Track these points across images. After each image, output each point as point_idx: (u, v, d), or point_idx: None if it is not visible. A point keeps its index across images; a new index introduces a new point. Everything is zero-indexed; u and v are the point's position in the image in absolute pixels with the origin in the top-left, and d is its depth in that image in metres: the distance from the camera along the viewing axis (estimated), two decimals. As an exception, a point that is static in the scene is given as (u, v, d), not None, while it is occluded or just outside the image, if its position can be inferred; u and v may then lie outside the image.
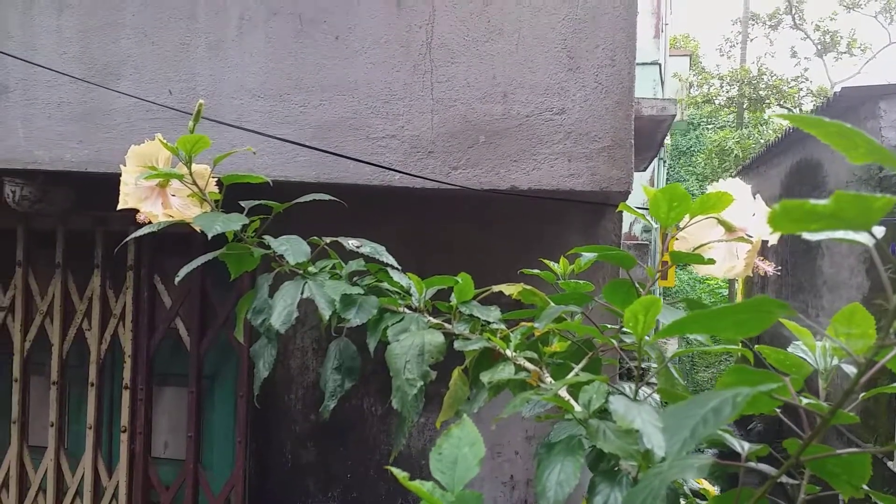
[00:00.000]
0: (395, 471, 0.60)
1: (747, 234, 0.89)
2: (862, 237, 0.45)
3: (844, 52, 20.64)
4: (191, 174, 1.08)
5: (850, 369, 0.63)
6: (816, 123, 0.47)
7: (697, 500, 0.87)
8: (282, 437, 2.50)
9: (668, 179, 17.35)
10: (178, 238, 2.01)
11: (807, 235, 0.48)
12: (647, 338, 0.68)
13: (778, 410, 0.69)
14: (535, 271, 1.09)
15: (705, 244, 0.88)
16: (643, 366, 0.88)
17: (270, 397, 2.50)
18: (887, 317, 0.45)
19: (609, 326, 0.93)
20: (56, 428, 2.54)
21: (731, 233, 0.89)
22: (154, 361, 2.53)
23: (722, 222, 0.88)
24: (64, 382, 2.58)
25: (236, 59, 2.06)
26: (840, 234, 0.48)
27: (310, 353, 2.50)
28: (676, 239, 0.92)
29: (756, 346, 0.77)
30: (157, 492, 2.48)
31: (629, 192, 1.93)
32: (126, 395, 2.48)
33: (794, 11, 20.37)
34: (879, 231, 0.46)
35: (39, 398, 2.64)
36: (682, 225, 0.89)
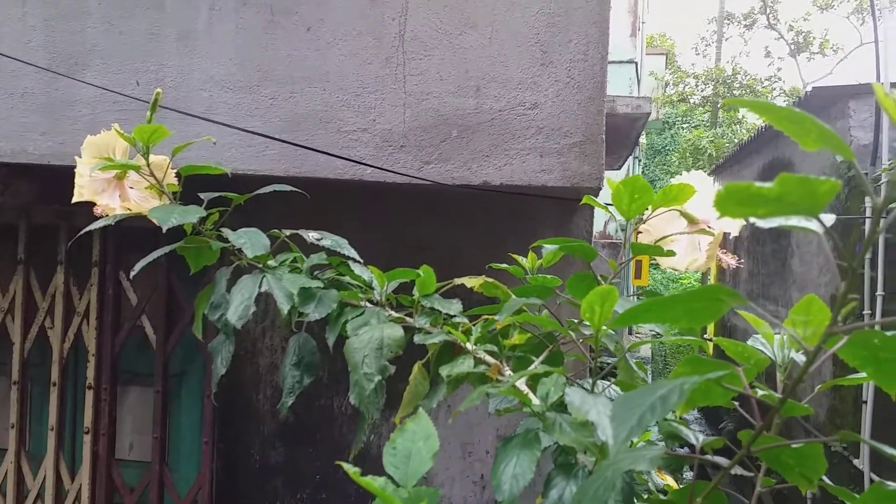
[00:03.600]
0: (346, 465, 0.59)
1: (709, 227, 0.89)
2: (811, 224, 0.45)
3: (817, 53, 21.00)
4: (148, 165, 1.05)
5: (804, 359, 0.62)
6: (768, 108, 0.47)
7: (660, 496, 0.87)
8: (250, 438, 2.46)
9: (643, 178, 17.46)
10: (145, 234, 1.97)
11: (758, 222, 0.47)
12: (604, 328, 0.67)
13: (742, 411, 0.69)
14: (504, 266, 1.08)
15: (667, 236, 0.87)
16: (609, 361, 0.87)
17: (238, 397, 2.46)
18: (836, 304, 0.44)
19: (575, 321, 0.92)
20: (17, 429, 2.48)
21: (694, 225, 0.88)
22: (119, 360, 2.47)
23: (684, 214, 0.88)
24: (25, 382, 2.51)
25: (205, 50, 2.02)
26: (792, 221, 0.47)
27: (278, 352, 2.47)
28: (640, 231, 0.91)
29: (716, 338, 0.77)
30: (121, 494, 2.43)
31: (600, 188, 1.93)
32: (90, 395, 2.42)
33: (768, 11, 20.68)
34: (829, 219, 0.45)
35: None
36: (644, 217, 0.88)
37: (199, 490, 2.34)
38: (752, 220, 0.48)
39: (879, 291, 4.65)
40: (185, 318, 2.39)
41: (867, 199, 4.82)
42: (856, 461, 4.72)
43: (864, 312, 4.76)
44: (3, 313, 2.51)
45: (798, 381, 0.48)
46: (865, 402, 4.72)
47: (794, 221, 0.46)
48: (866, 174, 4.96)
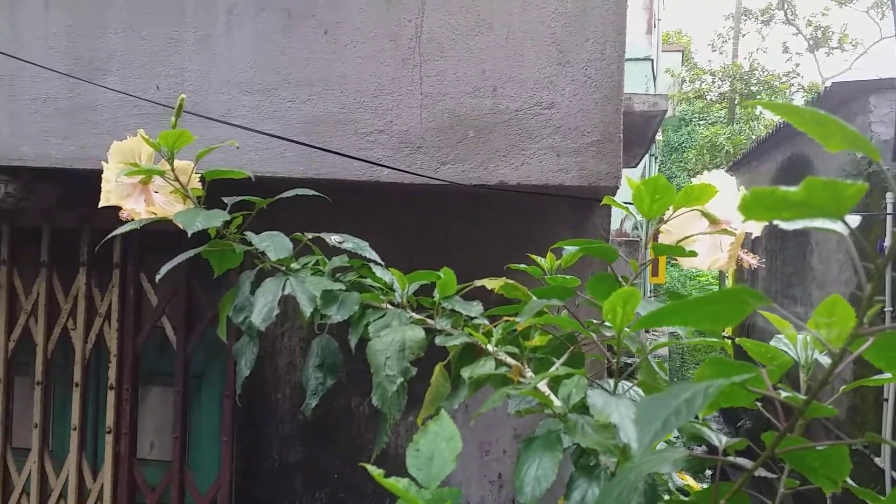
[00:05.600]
0: (370, 468, 0.60)
1: (731, 227, 0.88)
2: (836, 226, 0.45)
3: (836, 48, 20.75)
4: (173, 170, 1.07)
5: (828, 361, 0.62)
6: (791, 111, 0.47)
7: (681, 497, 0.87)
8: (269, 437, 2.48)
9: (660, 176, 17.34)
10: (165, 236, 1.99)
11: (782, 225, 0.48)
12: (626, 329, 0.67)
13: (764, 411, 0.69)
14: (522, 266, 1.09)
15: (689, 236, 0.87)
16: (628, 361, 0.87)
17: (258, 397, 2.48)
18: (861, 306, 0.44)
19: (595, 322, 0.92)
20: (40, 429, 2.52)
21: (715, 225, 0.88)
22: (140, 361, 2.50)
23: (706, 214, 0.88)
24: (48, 383, 2.55)
25: (224, 54, 2.05)
26: (817, 223, 0.47)
27: (297, 352, 2.49)
28: (661, 231, 0.91)
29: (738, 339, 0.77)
30: (142, 493, 2.46)
31: (618, 187, 1.93)
32: (111, 395, 2.45)
33: (786, 6, 20.45)
34: (854, 220, 0.45)
35: (23, 399, 2.61)
36: (665, 217, 0.88)
37: (218, 489, 2.37)
38: (775, 221, 0.48)
39: (902, 289, 4.59)
40: (205, 319, 2.42)
41: (888, 195, 4.75)
42: (877, 459, 4.66)
43: (886, 310, 4.70)
44: (26, 315, 2.56)
45: (824, 382, 0.48)
46: (887, 401, 4.65)
47: (819, 223, 0.46)
48: (888, 170, 4.88)
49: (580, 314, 0.96)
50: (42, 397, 2.52)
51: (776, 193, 0.38)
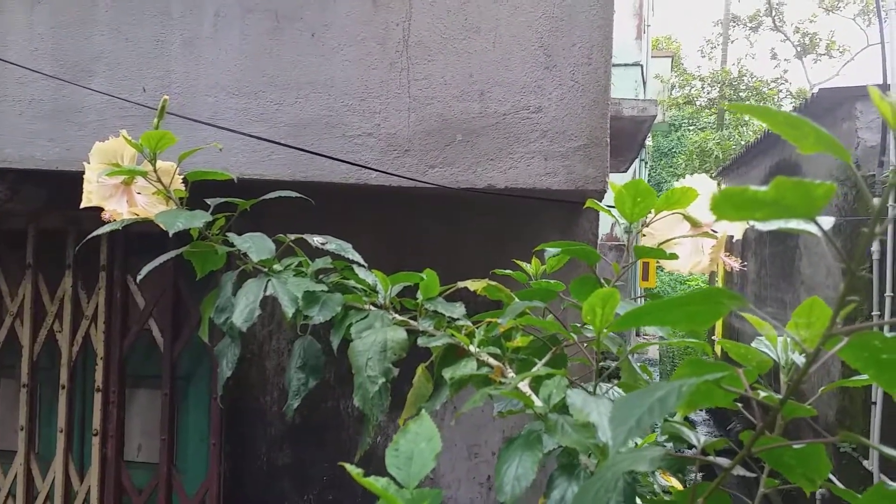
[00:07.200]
0: (349, 467, 0.60)
1: (713, 230, 0.89)
2: (809, 227, 0.45)
3: (823, 54, 20.99)
4: (155, 171, 1.06)
5: (804, 361, 0.62)
6: (767, 113, 0.47)
7: (664, 497, 0.87)
8: (257, 439, 2.47)
9: (649, 180, 17.51)
10: (152, 238, 1.97)
11: (757, 225, 0.48)
12: (606, 330, 0.67)
13: (746, 412, 0.69)
14: (508, 272, 1.09)
15: (671, 239, 0.88)
16: (615, 363, 0.87)
17: (245, 399, 2.47)
18: (836, 306, 0.44)
19: (578, 325, 0.92)
20: (26, 431, 2.49)
21: (697, 228, 0.89)
22: (127, 363, 2.49)
23: (687, 217, 0.88)
24: (34, 385, 2.53)
25: (211, 57, 2.04)
26: (792, 224, 0.48)
27: (285, 354, 2.48)
28: (643, 234, 0.92)
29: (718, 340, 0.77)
30: (129, 496, 2.44)
31: (605, 191, 1.94)
32: (98, 397, 2.44)
33: (774, 13, 20.66)
34: (826, 221, 0.45)
35: (9, 401, 2.59)
36: (648, 220, 0.89)
37: (206, 491, 2.35)
38: (752, 222, 0.49)
39: (888, 292, 4.63)
40: (192, 321, 2.41)
41: (875, 200, 4.79)
42: (865, 462, 4.69)
43: (874, 313, 4.73)
44: (12, 317, 2.54)
45: (798, 382, 0.48)
46: (874, 403, 4.69)
47: (794, 224, 0.47)
48: (873, 175, 4.93)
49: (567, 318, 0.96)
50: (28, 400, 2.50)
51: (746, 193, 0.39)
